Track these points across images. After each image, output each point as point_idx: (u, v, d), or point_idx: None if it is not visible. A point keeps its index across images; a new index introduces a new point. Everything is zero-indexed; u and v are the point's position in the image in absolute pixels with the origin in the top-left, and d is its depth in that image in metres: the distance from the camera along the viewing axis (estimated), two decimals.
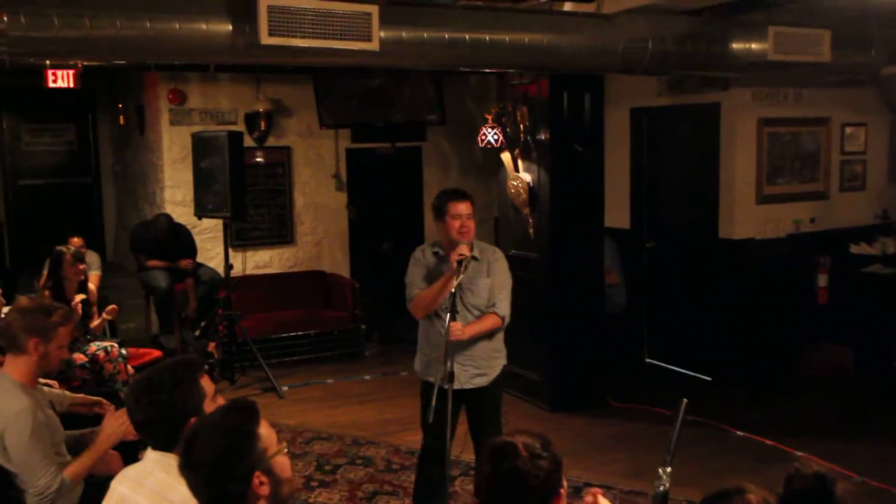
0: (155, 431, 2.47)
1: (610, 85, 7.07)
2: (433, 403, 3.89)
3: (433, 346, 4.15)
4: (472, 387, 4.17)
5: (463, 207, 4.11)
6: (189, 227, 8.06)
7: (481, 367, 4.22)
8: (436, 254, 4.23)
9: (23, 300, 3.77)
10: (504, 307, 4.22)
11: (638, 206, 7.65)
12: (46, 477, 3.21)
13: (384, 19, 4.37)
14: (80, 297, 5.91)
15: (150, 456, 2.49)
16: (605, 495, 2.35)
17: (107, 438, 3.38)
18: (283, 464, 2.11)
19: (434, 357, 4.10)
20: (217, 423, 2.09)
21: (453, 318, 3.89)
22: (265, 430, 2.10)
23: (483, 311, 4.17)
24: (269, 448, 2.07)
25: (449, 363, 3.85)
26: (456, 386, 4.02)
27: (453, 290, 3.91)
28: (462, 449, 4.35)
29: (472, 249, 4.07)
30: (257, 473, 2.03)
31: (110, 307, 6.06)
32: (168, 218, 7.88)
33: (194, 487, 2.07)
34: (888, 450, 5.58)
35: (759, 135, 6.89)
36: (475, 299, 4.14)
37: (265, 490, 2.04)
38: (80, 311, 5.84)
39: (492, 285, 4.19)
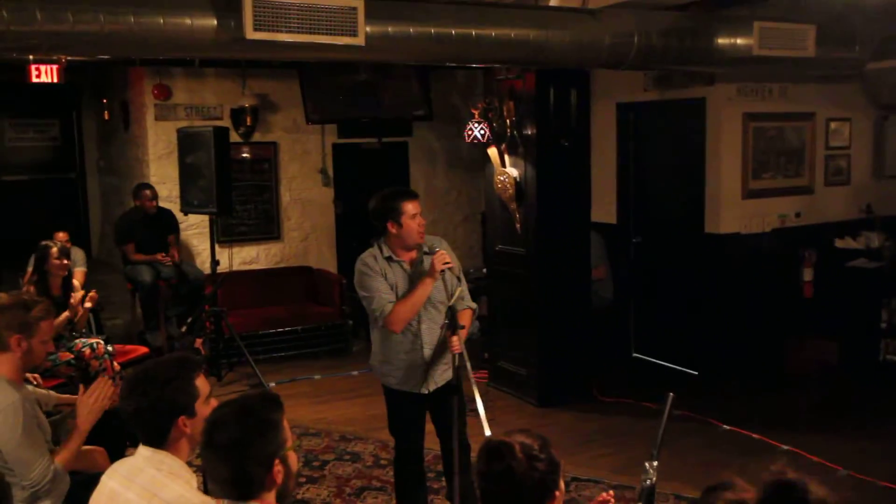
0: (143, 424, 2.47)
1: (596, 80, 7.08)
2: (457, 414, 3.73)
3: (407, 356, 3.99)
4: (439, 385, 4.09)
5: (417, 205, 3.97)
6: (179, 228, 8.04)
7: (450, 362, 4.16)
8: (388, 259, 3.99)
9: (2, 297, 3.76)
10: (470, 297, 4.16)
11: (624, 200, 7.66)
12: (41, 468, 3.23)
13: (370, 14, 4.35)
14: (79, 294, 5.86)
15: (142, 452, 2.48)
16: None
17: (87, 416, 3.38)
18: (293, 458, 2.19)
19: (412, 367, 3.98)
20: (244, 407, 2.15)
21: (454, 333, 3.76)
22: (285, 423, 2.18)
23: (442, 303, 4.03)
24: (288, 440, 2.15)
25: (451, 366, 3.80)
26: (433, 387, 4.03)
27: (452, 303, 3.78)
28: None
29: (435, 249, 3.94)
30: (276, 461, 2.09)
31: (91, 293, 5.97)
32: (148, 185, 7.90)
33: (214, 468, 2.11)
34: (872, 443, 5.62)
35: (744, 130, 6.91)
36: (440, 295, 3.99)
37: (280, 478, 2.11)
38: (81, 310, 5.82)
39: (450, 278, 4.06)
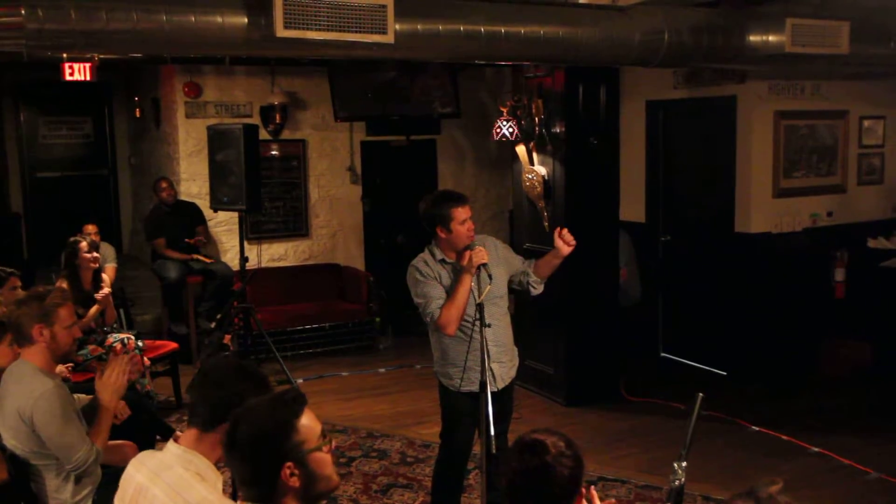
0: (213, 409, 2.46)
1: (625, 77, 7.03)
2: (490, 412, 3.64)
3: (471, 355, 3.90)
4: (507, 382, 4.11)
5: (467, 210, 3.98)
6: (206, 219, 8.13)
7: (513, 358, 4.19)
8: (442, 261, 4.01)
9: (19, 293, 3.85)
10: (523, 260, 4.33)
11: (653, 199, 7.61)
12: (83, 451, 3.31)
13: (399, 12, 4.35)
14: (106, 290, 5.93)
15: (172, 449, 2.48)
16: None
17: (110, 396, 3.43)
18: (321, 460, 2.09)
19: (470, 364, 3.91)
20: (259, 409, 2.11)
21: (484, 327, 3.74)
22: (307, 423, 2.09)
23: (501, 297, 4.10)
24: (307, 441, 2.07)
25: (487, 366, 3.76)
26: (500, 385, 4.03)
27: (482, 300, 3.77)
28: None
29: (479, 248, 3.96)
30: (288, 464, 2.03)
31: (102, 292, 5.98)
32: (164, 177, 8.12)
33: (234, 467, 2.10)
34: None
35: (775, 128, 6.85)
36: (497, 290, 4.02)
37: (295, 482, 2.04)
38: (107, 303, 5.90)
39: (509, 267, 4.17)
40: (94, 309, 5.80)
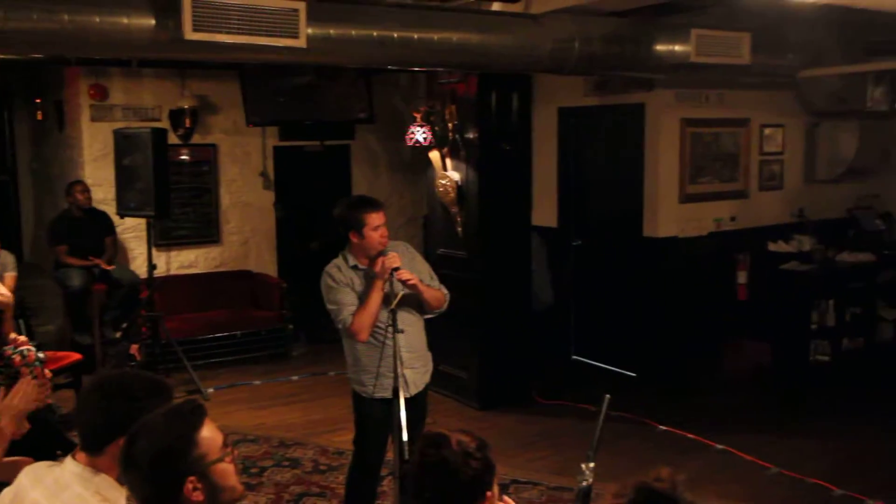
0: (106, 429, 2.31)
1: (538, 84, 7.13)
2: (403, 417, 3.66)
3: (384, 361, 3.90)
4: (420, 388, 4.09)
5: (381, 216, 3.95)
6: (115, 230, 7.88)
7: (427, 364, 4.18)
8: (354, 268, 3.99)
9: None
10: (444, 287, 4.18)
11: (565, 204, 7.72)
12: None
13: (312, 16, 4.32)
14: (7, 293, 5.75)
15: (70, 467, 2.38)
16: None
17: (11, 418, 3.28)
18: (223, 471, 2.04)
19: (389, 372, 3.88)
20: (156, 424, 2.03)
21: (396, 333, 3.73)
22: (208, 434, 2.03)
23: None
24: (208, 454, 2.01)
25: (400, 372, 3.75)
26: (413, 391, 3.99)
27: (394, 307, 3.76)
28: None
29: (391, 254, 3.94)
30: (190, 478, 1.97)
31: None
32: (80, 181, 7.81)
33: (133, 485, 2.03)
34: (803, 441, 5.77)
35: (681, 135, 7.03)
36: (409, 297, 4.01)
37: (198, 496, 1.98)
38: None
39: (419, 276, 4.07)
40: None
